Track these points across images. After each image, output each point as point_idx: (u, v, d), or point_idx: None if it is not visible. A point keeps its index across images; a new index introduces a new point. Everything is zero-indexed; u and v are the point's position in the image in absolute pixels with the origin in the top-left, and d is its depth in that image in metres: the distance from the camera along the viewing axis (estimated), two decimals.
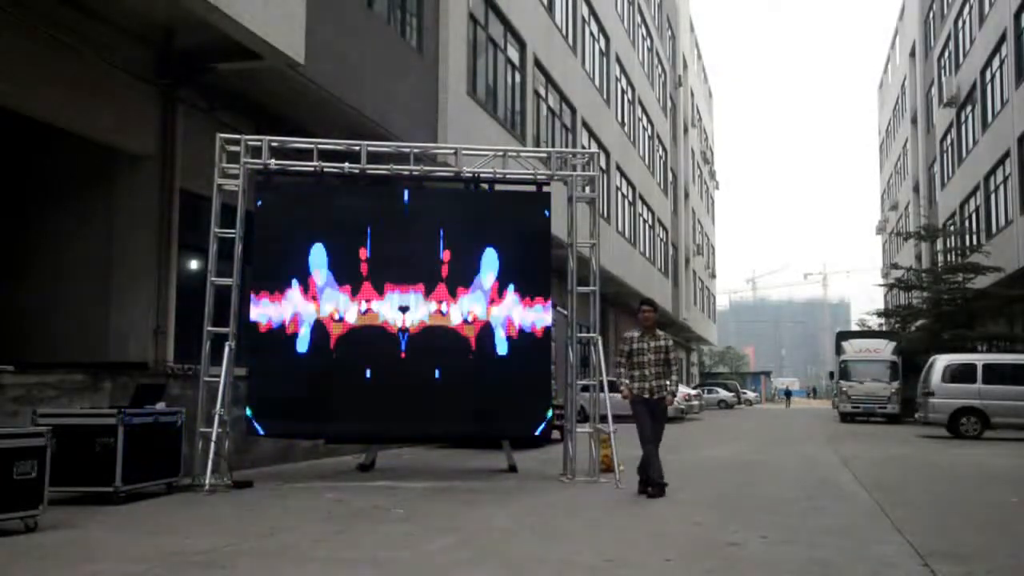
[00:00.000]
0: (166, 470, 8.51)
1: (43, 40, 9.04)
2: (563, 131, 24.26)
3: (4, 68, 8.76)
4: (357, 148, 10.26)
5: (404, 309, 10.01)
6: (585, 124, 26.09)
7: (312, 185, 10.31)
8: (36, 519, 6.38)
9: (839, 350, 31.33)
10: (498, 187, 10.62)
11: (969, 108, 33.53)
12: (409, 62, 14.56)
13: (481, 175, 10.54)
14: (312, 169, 10.16)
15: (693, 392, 35.48)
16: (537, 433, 10.49)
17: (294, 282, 9.90)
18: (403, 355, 9.97)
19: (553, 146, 22.03)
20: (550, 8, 23.02)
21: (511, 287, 10.26)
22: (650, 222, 37.68)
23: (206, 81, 10.99)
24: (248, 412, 9.73)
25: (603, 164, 26.08)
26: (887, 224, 59.55)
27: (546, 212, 10.46)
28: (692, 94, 53.03)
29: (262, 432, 9.85)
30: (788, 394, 65.48)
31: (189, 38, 10.37)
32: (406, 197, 10.42)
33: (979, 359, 21.16)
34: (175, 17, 9.89)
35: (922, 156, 45.60)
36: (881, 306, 43.58)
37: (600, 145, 26.96)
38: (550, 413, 10.31)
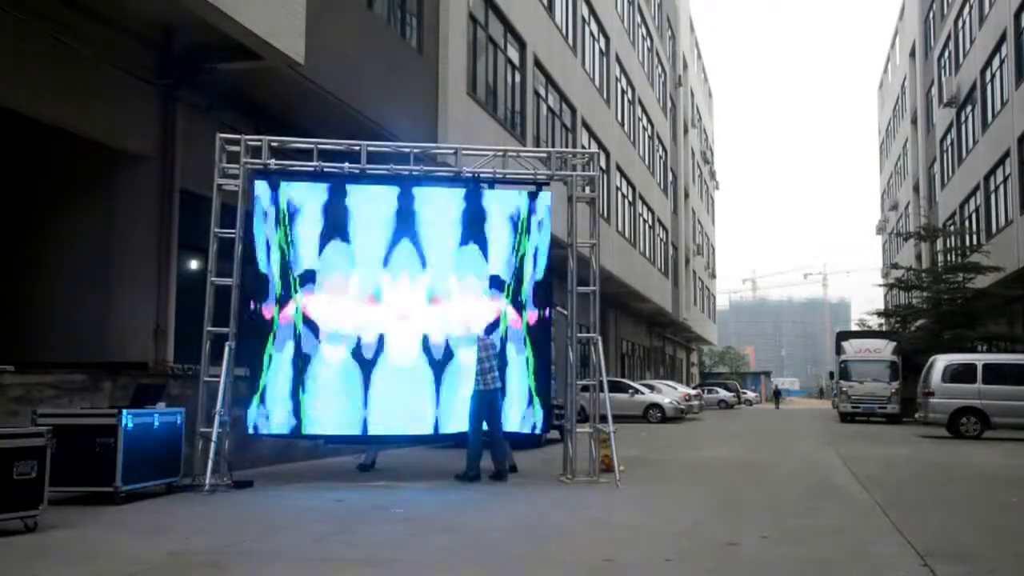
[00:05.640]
0: (166, 470, 8.50)
1: (43, 40, 9.04)
2: (563, 131, 24.26)
3: (4, 68, 8.76)
4: (357, 148, 10.26)
5: (403, 309, 10.02)
6: (585, 124, 26.09)
7: (315, 186, 10.26)
8: (36, 519, 6.38)
9: (839, 350, 31.30)
10: (498, 187, 10.62)
11: (969, 108, 33.52)
12: (409, 62, 14.56)
13: (481, 175, 10.54)
14: (312, 169, 10.16)
15: (693, 392, 35.47)
16: (534, 432, 10.51)
17: (295, 282, 9.90)
18: (402, 355, 9.97)
19: (553, 146, 22.02)
20: (550, 8, 23.01)
21: (511, 288, 10.28)
22: (650, 222, 37.68)
23: (206, 81, 10.98)
24: (248, 411, 9.74)
25: (603, 164, 26.09)
26: (887, 224, 59.51)
27: (546, 214, 10.46)
28: (692, 94, 53.03)
29: (261, 432, 9.85)
30: (777, 394, 60.71)
31: (189, 38, 10.37)
32: (406, 197, 10.40)
33: (979, 359, 21.12)
34: (175, 17, 9.90)
35: (922, 156, 45.59)
36: (881, 306, 43.55)
37: (600, 145, 26.96)
38: (546, 412, 10.33)
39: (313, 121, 12.30)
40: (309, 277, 9.94)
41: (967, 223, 33.26)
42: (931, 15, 42.45)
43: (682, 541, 6.43)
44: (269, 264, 9.91)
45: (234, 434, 9.71)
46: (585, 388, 10.85)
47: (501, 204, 10.47)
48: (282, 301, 9.87)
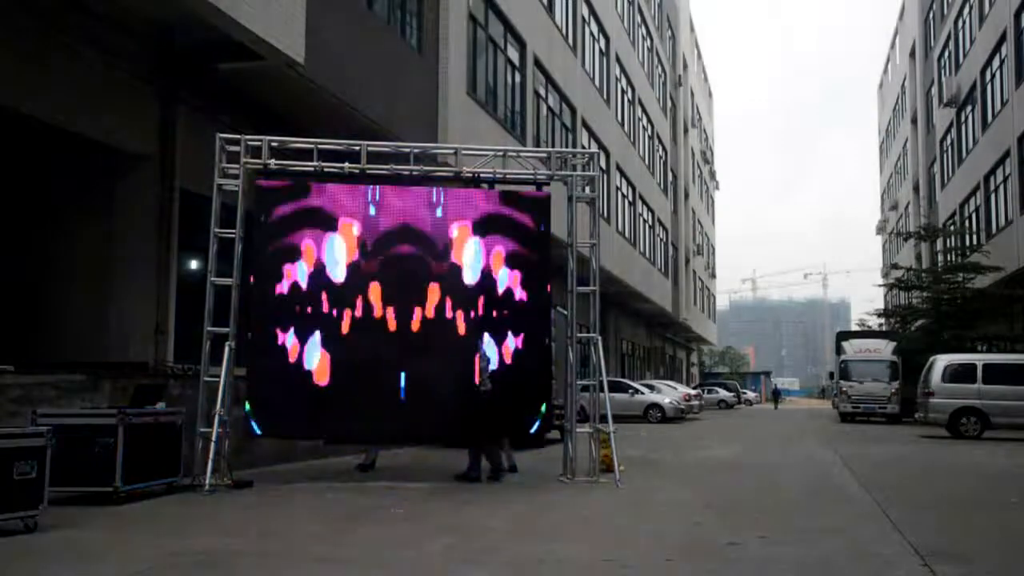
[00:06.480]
0: (166, 470, 8.50)
1: (43, 40, 9.04)
2: (563, 131, 24.26)
3: (4, 68, 8.76)
4: (357, 148, 10.25)
5: (404, 310, 10.02)
6: (585, 124, 26.09)
7: (314, 187, 10.26)
8: (36, 519, 6.38)
9: (839, 350, 31.31)
10: (498, 187, 10.61)
11: (969, 108, 33.52)
12: (409, 62, 14.56)
13: (481, 175, 10.53)
14: (312, 169, 10.15)
15: (693, 392, 35.45)
16: (533, 432, 10.51)
17: (295, 282, 9.90)
18: (402, 355, 9.97)
19: (553, 146, 22.03)
20: (550, 8, 23.01)
21: (509, 288, 10.28)
22: (650, 222, 37.67)
23: (206, 81, 10.98)
24: (247, 410, 9.74)
25: (603, 164, 26.08)
26: (887, 224, 59.52)
27: (546, 214, 10.46)
28: (692, 94, 53.04)
29: (259, 432, 9.85)
30: (776, 394, 60.30)
31: (189, 38, 10.37)
32: (405, 198, 10.41)
33: (979, 359, 21.10)
34: (175, 17, 9.90)
35: (922, 156, 45.59)
36: (881, 306, 43.54)
37: (600, 145, 26.96)
38: (544, 411, 10.33)
39: (313, 121, 12.30)
40: (308, 278, 9.93)
41: (967, 223, 33.27)
42: (931, 15, 42.46)
43: (682, 541, 6.43)
44: (270, 266, 9.91)
45: (234, 434, 9.71)
46: (585, 388, 10.85)
47: (499, 205, 10.46)
48: (281, 300, 9.86)
